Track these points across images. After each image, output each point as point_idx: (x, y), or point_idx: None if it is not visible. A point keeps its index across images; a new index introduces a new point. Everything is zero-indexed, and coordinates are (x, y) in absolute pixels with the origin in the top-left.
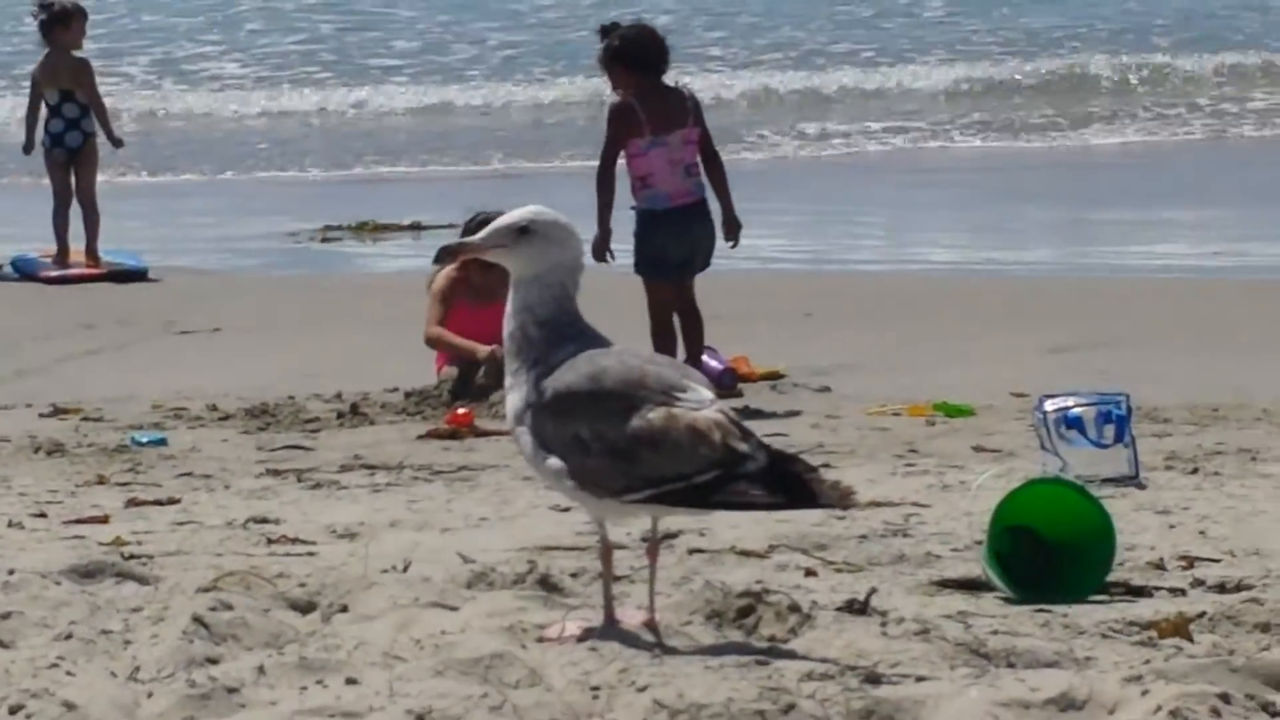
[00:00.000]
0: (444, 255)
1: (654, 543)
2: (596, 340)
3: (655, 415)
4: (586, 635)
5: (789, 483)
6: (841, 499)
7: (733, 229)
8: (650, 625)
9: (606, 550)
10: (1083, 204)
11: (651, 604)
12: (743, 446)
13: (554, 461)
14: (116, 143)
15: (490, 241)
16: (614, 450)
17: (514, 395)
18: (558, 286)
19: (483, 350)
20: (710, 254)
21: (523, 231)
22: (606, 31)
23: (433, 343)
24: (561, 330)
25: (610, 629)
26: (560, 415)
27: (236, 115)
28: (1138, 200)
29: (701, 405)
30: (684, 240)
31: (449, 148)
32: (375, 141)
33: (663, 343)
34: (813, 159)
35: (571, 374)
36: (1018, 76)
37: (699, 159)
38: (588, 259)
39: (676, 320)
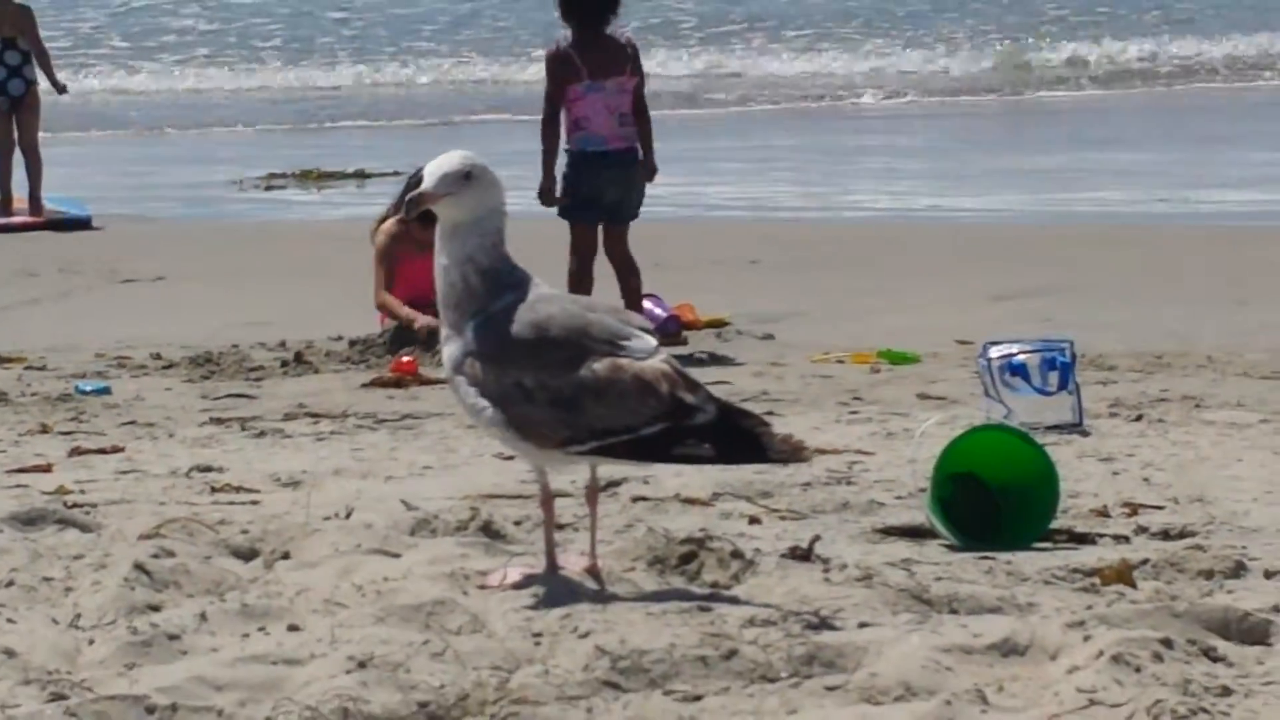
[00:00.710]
0: (411, 207)
1: (593, 490)
2: (535, 286)
3: (601, 366)
4: (527, 581)
5: (738, 436)
6: (792, 453)
7: (649, 174)
8: (592, 571)
9: (547, 498)
10: (1028, 151)
11: (593, 550)
12: (690, 398)
13: (494, 411)
14: (60, 88)
15: (440, 189)
16: (558, 400)
17: (452, 345)
18: (494, 234)
19: (419, 323)
20: (639, 205)
21: (467, 177)
22: None
23: (381, 309)
24: (501, 278)
25: (552, 575)
26: (503, 364)
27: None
28: (1083, 146)
29: (647, 354)
30: (616, 184)
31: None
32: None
33: (576, 288)
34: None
35: (514, 323)
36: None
37: (630, 109)
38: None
39: (614, 275)
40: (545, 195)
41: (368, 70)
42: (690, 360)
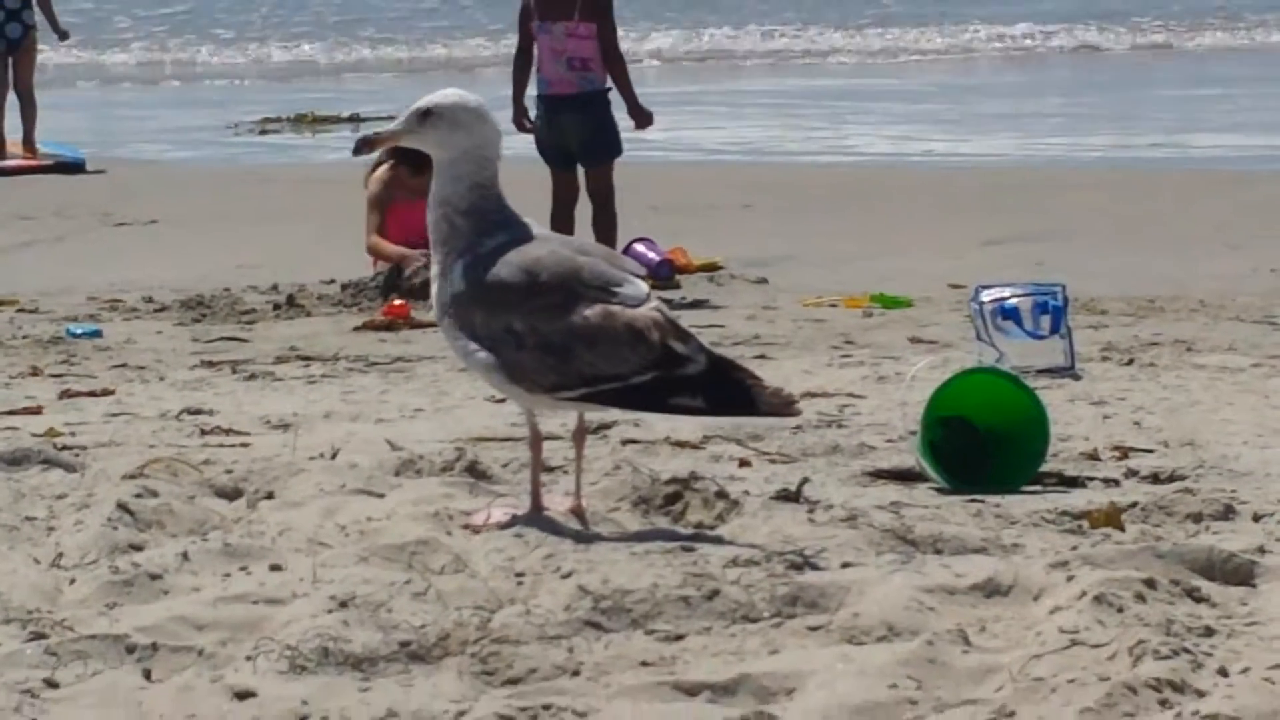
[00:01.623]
0: (362, 146)
1: (580, 432)
2: (525, 228)
3: (592, 312)
4: (511, 521)
5: (728, 387)
6: (782, 406)
7: (639, 118)
8: (576, 511)
9: (536, 439)
10: (1021, 96)
11: (578, 491)
12: (681, 348)
13: (484, 354)
14: (62, 34)
15: (402, 128)
16: (548, 346)
17: (440, 285)
18: (470, 175)
19: (410, 258)
20: (589, 151)
21: (425, 115)
22: None
23: (371, 252)
24: (488, 218)
25: (536, 515)
26: (492, 307)
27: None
28: (1076, 93)
29: (639, 301)
30: (552, 129)
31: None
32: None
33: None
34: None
35: (504, 266)
36: None
37: (594, 55)
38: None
39: (589, 214)
40: (515, 121)
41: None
42: (683, 304)
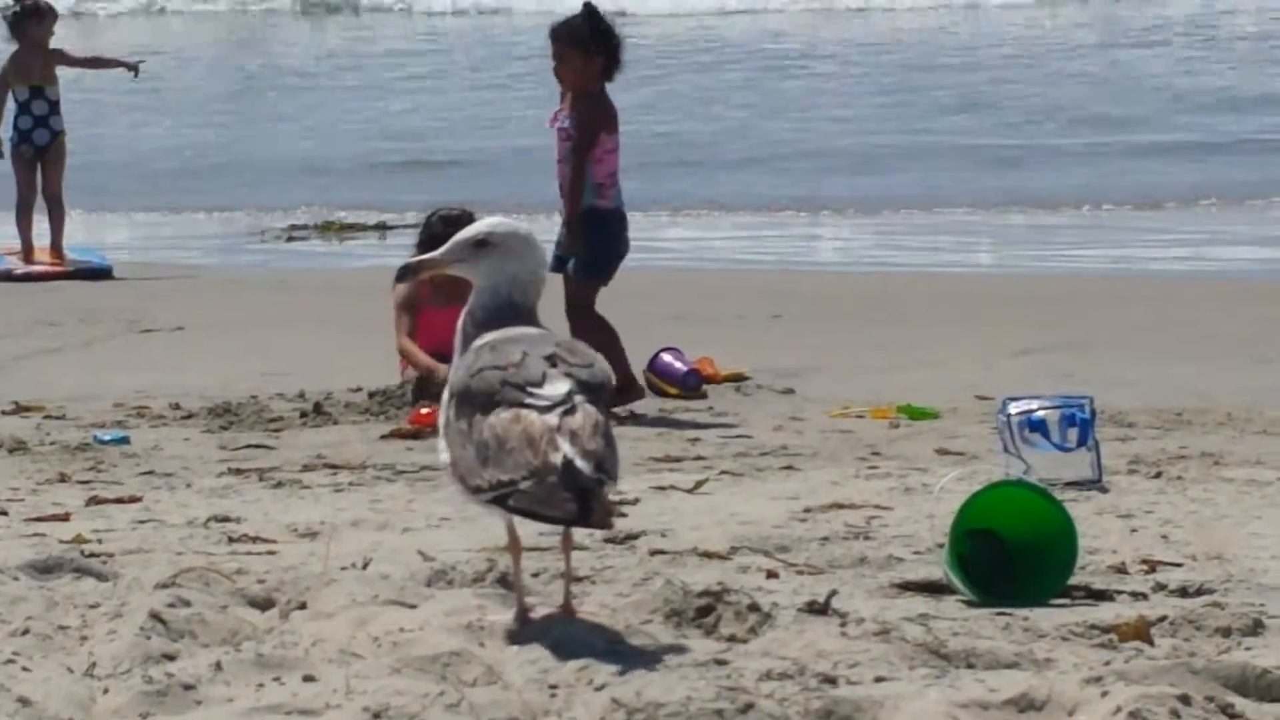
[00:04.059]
0: (405, 274)
1: (566, 538)
2: (518, 327)
3: (501, 418)
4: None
5: (586, 498)
6: (601, 518)
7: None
8: (566, 612)
9: (512, 544)
10: (1046, 205)
11: (566, 596)
12: (555, 457)
13: (445, 454)
14: (135, 68)
15: (450, 256)
16: (477, 446)
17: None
18: (505, 297)
19: (441, 372)
20: (567, 260)
21: (480, 245)
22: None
23: (402, 354)
24: (492, 328)
25: (525, 623)
26: (456, 407)
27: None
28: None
29: (550, 403)
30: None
31: None
32: None
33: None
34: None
35: (461, 368)
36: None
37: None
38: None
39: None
40: None
41: None
42: (711, 414)
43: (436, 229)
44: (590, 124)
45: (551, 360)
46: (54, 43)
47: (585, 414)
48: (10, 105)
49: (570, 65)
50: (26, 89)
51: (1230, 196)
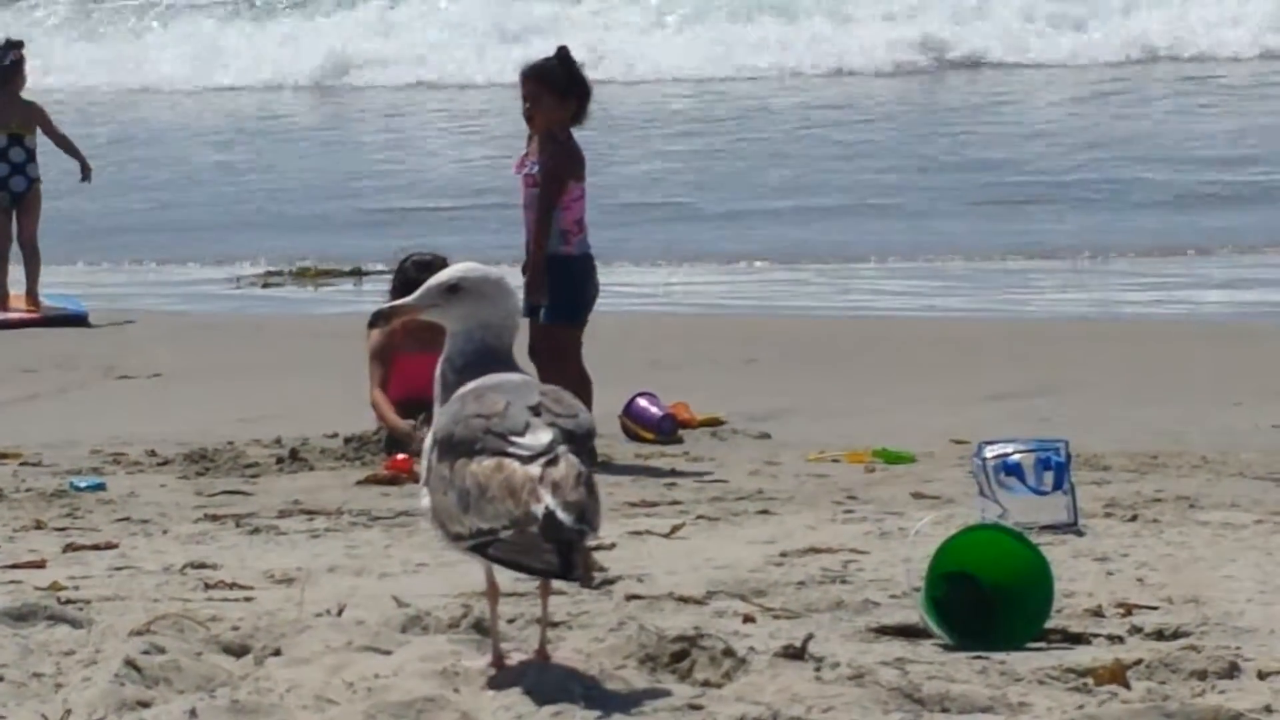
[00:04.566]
0: (378, 320)
1: (544, 585)
2: (498, 374)
3: (483, 466)
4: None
5: (566, 550)
6: (583, 573)
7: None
8: (541, 656)
9: (491, 591)
10: (1023, 250)
11: (542, 642)
12: (536, 508)
13: (426, 500)
14: (86, 171)
15: (423, 301)
16: (458, 494)
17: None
18: (480, 341)
19: (403, 431)
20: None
21: (452, 290)
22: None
23: (374, 408)
24: (472, 373)
25: (500, 668)
26: (438, 454)
27: None
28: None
29: (533, 453)
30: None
31: None
32: None
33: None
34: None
35: (444, 415)
36: None
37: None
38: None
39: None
40: None
41: None
42: (686, 459)
43: (410, 274)
44: (558, 169)
45: (535, 410)
46: None
47: (568, 464)
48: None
49: (543, 107)
50: (5, 136)
51: (1205, 245)
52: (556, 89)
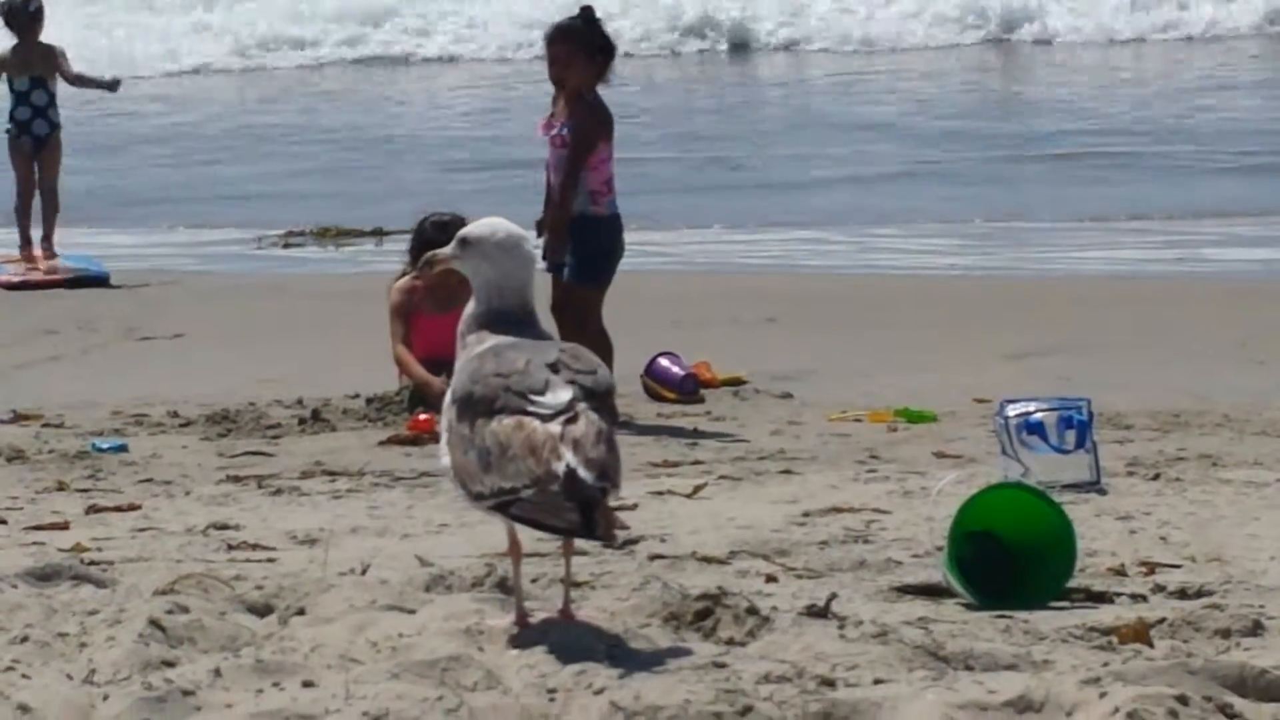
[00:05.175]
0: (423, 267)
1: (567, 544)
2: (519, 334)
3: (503, 424)
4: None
5: (588, 509)
6: (605, 531)
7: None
8: (565, 615)
9: (512, 547)
10: (1045, 207)
11: (566, 600)
12: (557, 466)
13: (446, 458)
14: (113, 85)
15: (449, 253)
16: (479, 453)
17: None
18: (485, 302)
19: (435, 386)
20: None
21: (463, 243)
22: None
23: (397, 362)
24: (488, 329)
25: (524, 627)
26: (457, 413)
27: None
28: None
29: (554, 411)
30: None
31: None
32: None
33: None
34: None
35: (463, 373)
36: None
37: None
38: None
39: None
40: None
41: None
42: (708, 419)
43: (428, 234)
44: (589, 129)
45: (554, 367)
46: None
47: (588, 421)
48: (7, 96)
49: (574, 67)
50: (27, 79)
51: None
52: (587, 48)
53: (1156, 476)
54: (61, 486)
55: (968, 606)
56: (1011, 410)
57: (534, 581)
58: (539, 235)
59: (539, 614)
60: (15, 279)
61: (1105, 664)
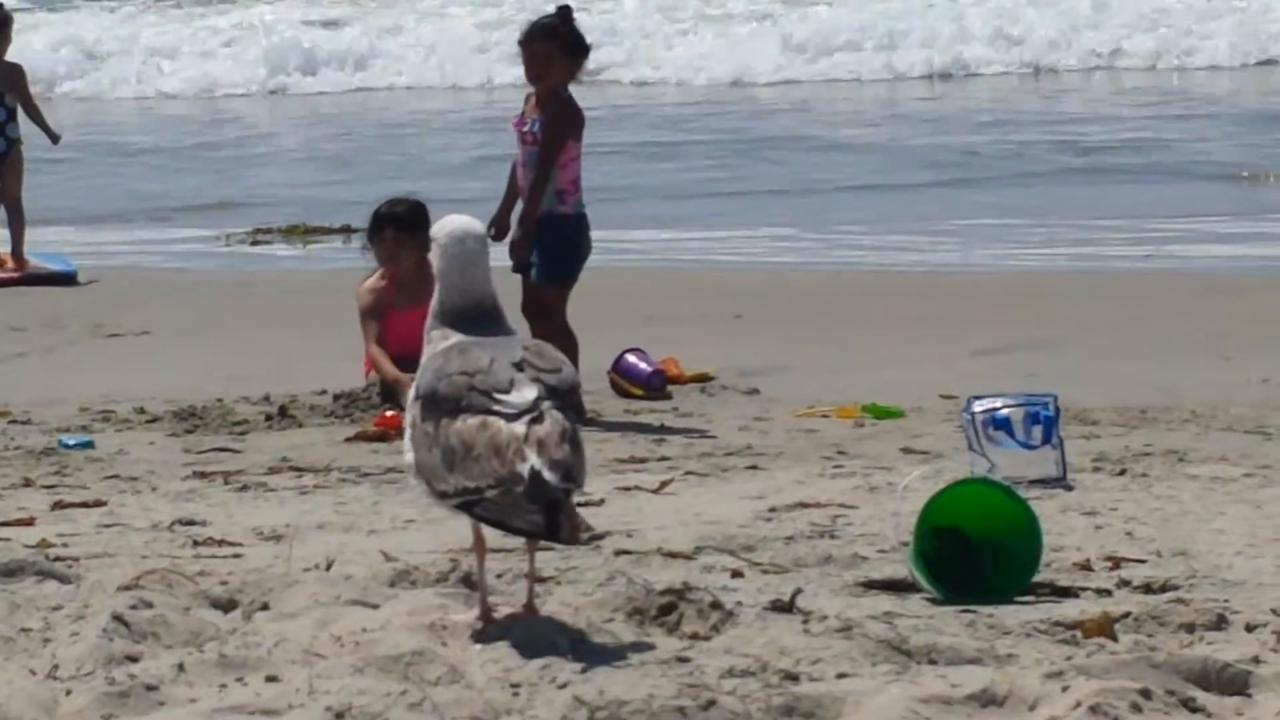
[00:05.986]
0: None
1: (531, 541)
2: (479, 333)
3: (468, 424)
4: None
5: (551, 511)
6: (569, 533)
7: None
8: (529, 610)
9: (476, 543)
10: (1014, 204)
11: (530, 597)
12: (521, 468)
13: (410, 454)
14: (55, 138)
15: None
16: (443, 451)
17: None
18: (441, 300)
19: (406, 383)
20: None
21: (432, 239)
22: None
23: (371, 361)
24: (449, 325)
25: (488, 622)
26: (421, 410)
27: None
28: (1071, 203)
29: (518, 410)
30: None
31: None
32: None
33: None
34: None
35: (427, 370)
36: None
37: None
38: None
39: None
40: None
41: None
42: (676, 414)
43: (380, 211)
44: (560, 127)
45: (519, 365)
46: None
47: (553, 421)
48: None
49: (554, 66)
50: None
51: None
52: (565, 45)
53: (1123, 472)
54: (27, 482)
55: (933, 601)
56: (978, 406)
57: (499, 577)
58: (494, 239)
59: (503, 609)
60: None
61: (1069, 658)
